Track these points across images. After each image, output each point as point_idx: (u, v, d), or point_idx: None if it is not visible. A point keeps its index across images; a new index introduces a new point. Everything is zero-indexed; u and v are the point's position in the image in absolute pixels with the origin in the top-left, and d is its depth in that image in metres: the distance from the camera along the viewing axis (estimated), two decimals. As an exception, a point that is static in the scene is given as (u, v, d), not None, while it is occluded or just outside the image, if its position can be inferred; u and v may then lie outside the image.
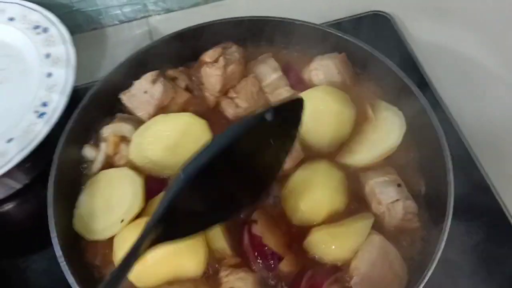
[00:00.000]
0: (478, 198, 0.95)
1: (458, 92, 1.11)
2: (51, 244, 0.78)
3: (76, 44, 1.07)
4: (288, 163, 0.85)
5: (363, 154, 0.88)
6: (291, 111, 0.69)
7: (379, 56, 0.94)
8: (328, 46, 0.99)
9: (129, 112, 0.96)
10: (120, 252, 0.78)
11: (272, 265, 0.77)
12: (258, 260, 0.78)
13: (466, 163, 1.00)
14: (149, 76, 0.94)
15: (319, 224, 0.81)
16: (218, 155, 0.62)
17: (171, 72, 0.99)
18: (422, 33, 1.22)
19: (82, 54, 1.07)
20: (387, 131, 0.89)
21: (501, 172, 0.99)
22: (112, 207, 0.84)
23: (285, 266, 0.78)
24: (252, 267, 0.78)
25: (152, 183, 0.87)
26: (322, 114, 0.88)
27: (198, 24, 1.00)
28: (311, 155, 0.89)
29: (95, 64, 1.20)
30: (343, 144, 0.90)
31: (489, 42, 1.19)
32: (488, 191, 0.97)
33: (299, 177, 0.84)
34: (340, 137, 0.90)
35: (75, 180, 0.90)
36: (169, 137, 0.88)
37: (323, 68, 0.96)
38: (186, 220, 0.64)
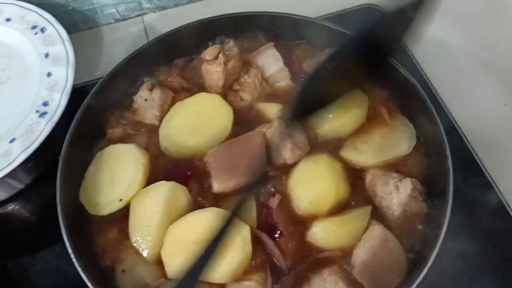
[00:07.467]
0: (475, 187, 0.98)
1: (451, 83, 1.13)
2: (56, 241, 0.77)
3: (73, 43, 1.07)
4: (294, 157, 0.87)
5: (369, 155, 0.89)
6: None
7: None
8: (322, 40, 1.00)
9: (137, 125, 0.97)
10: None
11: (275, 236, 0.81)
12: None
13: (462, 153, 1.02)
14: (145, 86, 0.98)
15: (323, 215, 0.83)
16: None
17: (163, 77, 1.02)
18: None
19: (79, 53, 1.07)
20: (397, 139, 0.90)
21: (495, 161, 1.02)
22: (115, 182, 0.86)
23: (283, 242, 0.81)
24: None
25: (180, 168, 0.89)
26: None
27: (191, 23, 1.01)
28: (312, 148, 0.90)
29: (92, 63, 1.21)
30: (347, 140, 0.91)
31: (479, 36, 1.21)
32: (483, 177, 1.00)
33: (303, 168, 0.86)
34: (340, 132, 0.91)
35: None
36: (193, 119, 0.93)
37: None
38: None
